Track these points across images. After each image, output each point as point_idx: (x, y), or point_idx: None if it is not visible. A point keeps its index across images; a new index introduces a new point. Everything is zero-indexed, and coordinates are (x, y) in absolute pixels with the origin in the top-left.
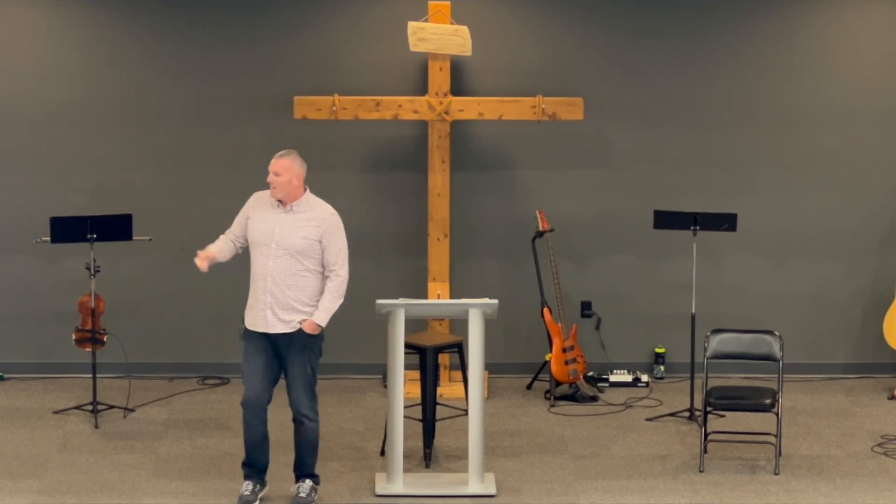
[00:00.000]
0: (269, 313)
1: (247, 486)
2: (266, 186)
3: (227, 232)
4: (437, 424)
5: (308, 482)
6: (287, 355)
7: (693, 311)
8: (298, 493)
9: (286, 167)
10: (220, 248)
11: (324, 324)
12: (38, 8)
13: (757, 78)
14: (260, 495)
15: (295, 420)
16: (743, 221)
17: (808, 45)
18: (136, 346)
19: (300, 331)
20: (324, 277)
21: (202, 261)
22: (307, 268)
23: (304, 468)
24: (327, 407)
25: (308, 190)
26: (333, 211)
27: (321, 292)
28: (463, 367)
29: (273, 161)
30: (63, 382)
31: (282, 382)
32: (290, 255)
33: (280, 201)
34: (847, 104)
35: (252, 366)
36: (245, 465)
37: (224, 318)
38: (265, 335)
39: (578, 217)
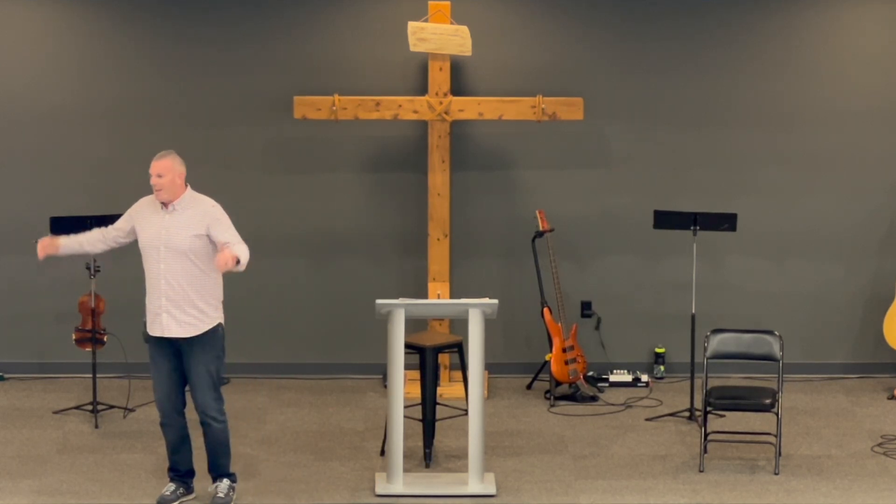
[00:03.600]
0: (164, 316)
1: (168, 487)
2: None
3: (107, 227)
4: (437, 424)
5: (225, 481)
6: (189, 358)
7: (693, 311)
8: (217, 493)
9: (168, 167)
10: (76, 239)
11: (241, 257)
12: (38, 8)
13: (757, 78)
14: (183, 500)
15: (202, 423)
16: (743, 221)
17: (807, 44)
18: (136, 346)
19: (200, 333)
20: (219, 274)
21: (41, 249)
22: (201, 269)
23: (218, 469)
24: (327, 407)
25: (189, 187)
26: (214, 203)
27: (220, 292)
28: (463, 367)
29: (153, 164)
30: (63, 382)
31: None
32: (182, 255)
33: (163, 203)
34: (847, 104)
35: (157, 371)
36: (169, 469)
37: (224, 317)
38: (167, 339)
39: (578, 217)
